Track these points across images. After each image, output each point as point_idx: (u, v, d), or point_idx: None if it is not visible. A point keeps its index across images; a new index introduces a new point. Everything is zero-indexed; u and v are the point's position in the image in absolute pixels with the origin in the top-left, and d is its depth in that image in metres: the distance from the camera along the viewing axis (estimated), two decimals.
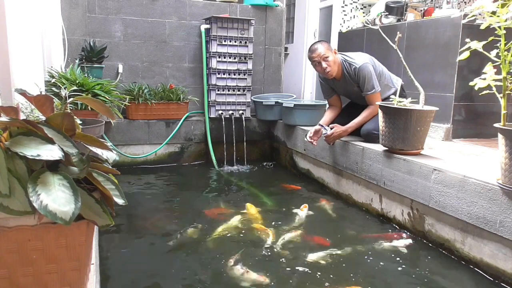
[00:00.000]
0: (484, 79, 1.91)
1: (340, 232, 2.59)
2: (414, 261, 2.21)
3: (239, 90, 4.24)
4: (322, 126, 3.12)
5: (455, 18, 3.20)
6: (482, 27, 1.92)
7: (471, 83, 1.98)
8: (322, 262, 2.12)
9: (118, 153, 3.41)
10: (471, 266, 2.12)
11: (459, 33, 3.17)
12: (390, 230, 2.59)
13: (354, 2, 5.34)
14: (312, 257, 2.16)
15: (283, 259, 2.16)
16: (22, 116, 1.29)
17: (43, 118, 1.00)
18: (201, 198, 3.22)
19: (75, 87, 2.90)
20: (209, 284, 1.94)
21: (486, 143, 3.22)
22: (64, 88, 2.73)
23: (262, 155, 4.49)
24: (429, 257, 2.22)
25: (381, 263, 2.13)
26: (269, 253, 2.22)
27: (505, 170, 1.87)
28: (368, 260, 2.16)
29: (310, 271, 2.02)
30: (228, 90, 4.20)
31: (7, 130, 0.93)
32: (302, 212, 2.81)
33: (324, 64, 3.03)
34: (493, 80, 1.88)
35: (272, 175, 4.02)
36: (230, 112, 4.23)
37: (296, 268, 2.06)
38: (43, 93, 2.10)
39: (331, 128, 3.08)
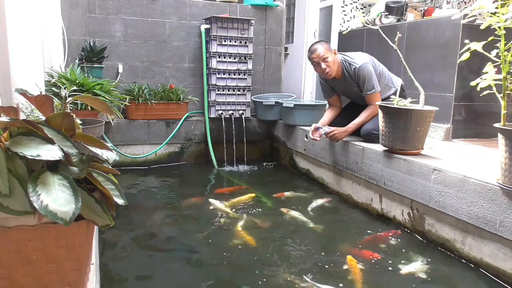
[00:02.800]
0: (485, 79, 1.91)
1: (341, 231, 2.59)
2: (414, 261, 2.21)
3: (239, 90, 4.24)
4: (319, 127, 3.11)
5: (455, 18, 3.19)
6: (482, 27, 1.92)
7: (472, 83, 1.98)
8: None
9: (118, 153, 3.42)
10: (472, 266, 2.12)
11: (459, 33, 3.18)
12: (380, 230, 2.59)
13: (354, 2, 5.34)
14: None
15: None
16: (22, 116, 1.29)
17: (43, 118, 1.00)
18: (201, 197, 3.21)
19: (75, 87, 2.90)
20: None
21: (486, 143, 3.21)
22: (64, 88, 2.73)
23: (262, 155, 4.49)
24: (429, 258, 2.22)
25: (382, 263, 2.13)
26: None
27: (505, 170, 1.87)
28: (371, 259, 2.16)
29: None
30: (228, 90, 4.20)
31: (7, 130, 0.93)
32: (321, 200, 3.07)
33: (323, 65, 3.03)
34: (493, 80, 1.88)
35: (272, 175, 4.01)
36: (230, 112, 4.22)
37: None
38: (43, 93, 2.10)
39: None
